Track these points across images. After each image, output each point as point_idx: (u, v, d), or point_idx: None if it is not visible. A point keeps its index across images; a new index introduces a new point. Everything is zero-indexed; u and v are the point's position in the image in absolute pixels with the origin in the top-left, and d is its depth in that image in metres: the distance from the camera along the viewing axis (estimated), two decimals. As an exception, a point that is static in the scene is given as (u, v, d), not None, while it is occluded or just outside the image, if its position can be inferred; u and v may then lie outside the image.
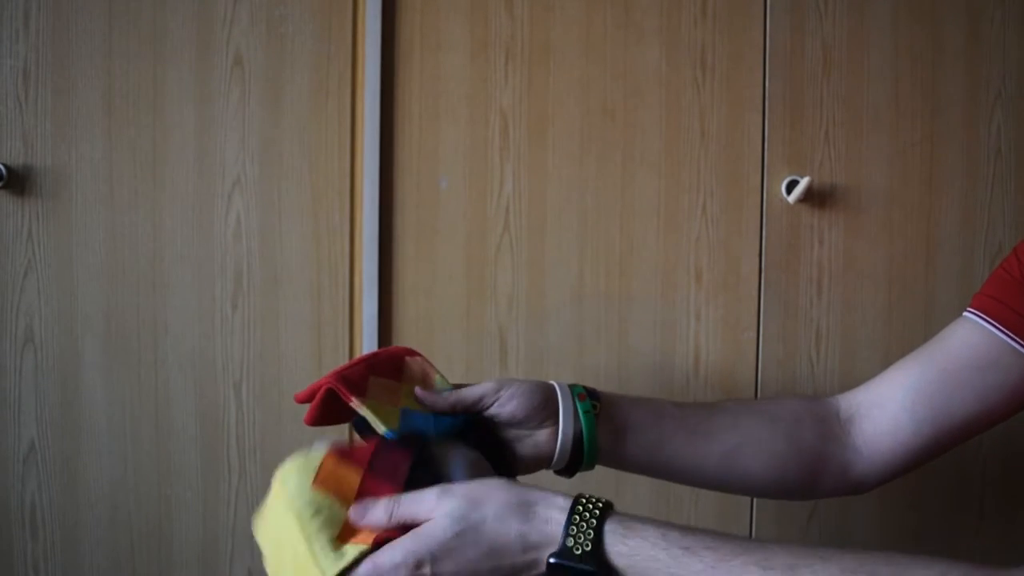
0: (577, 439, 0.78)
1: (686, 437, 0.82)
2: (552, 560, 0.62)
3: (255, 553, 1.09)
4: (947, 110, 1.09)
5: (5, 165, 1.04)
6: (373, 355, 0.80)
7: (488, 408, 0.78)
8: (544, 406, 0.78)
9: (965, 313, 0.83)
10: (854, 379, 1.10)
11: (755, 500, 1.11)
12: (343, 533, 0.66)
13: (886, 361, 1.09)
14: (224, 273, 1.07)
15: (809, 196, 1.07)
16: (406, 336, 1.08)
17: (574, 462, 0.79)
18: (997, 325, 0.79)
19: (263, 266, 1.07)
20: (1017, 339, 0.78)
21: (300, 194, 1.07)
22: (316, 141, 1.07)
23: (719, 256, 1.09)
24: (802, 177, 1.05)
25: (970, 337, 0.81)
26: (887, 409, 0.83)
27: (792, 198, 1.07)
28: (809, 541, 1.11)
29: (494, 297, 1.09)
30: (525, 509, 0.64)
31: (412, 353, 0.82)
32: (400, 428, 0.73)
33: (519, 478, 0.75)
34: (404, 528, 0.65)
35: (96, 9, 1.05)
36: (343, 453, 0.70)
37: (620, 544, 0.62)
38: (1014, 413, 0.81)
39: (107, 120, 1.06)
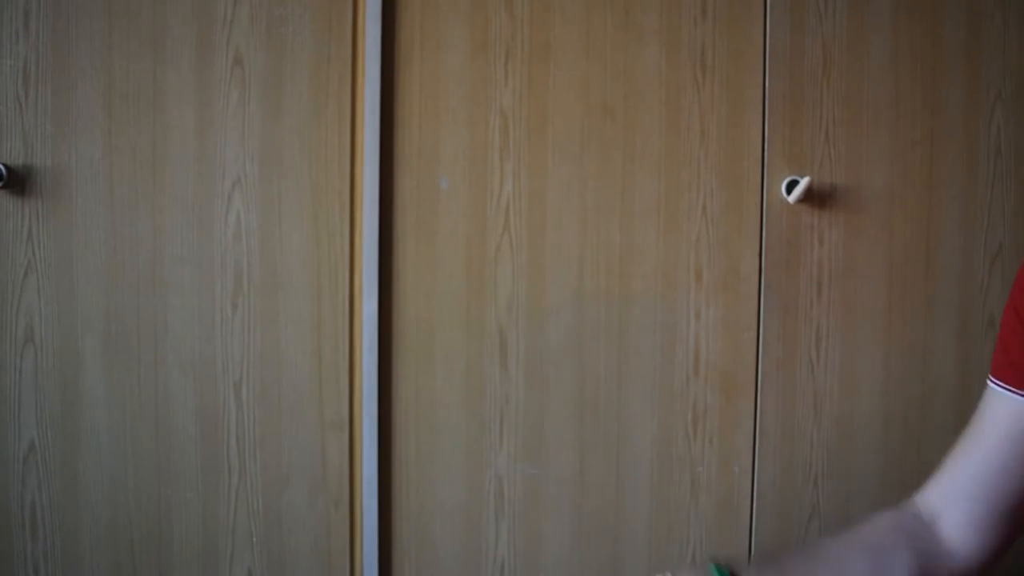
0: None
1: None
2: None
3: (255, 553, 1.10)
4: (947, 110, 1.09)
5: (5, 165, 1.03)
6: None
7: None
8: None
9: (988, 383, 0.83)
10: (854, 379, 1.10)
11: (755, 499, 1.11)
12: None
13: (886, 361, 1.11)
14: (224, 273, 1.07)
15: (809, 196, 1.07)
16: (406, 336, 1.08)
17: None
18: (1017, 391, 0.80)
19: (263, 266, 1.07)
20: None
21: (300, 194, 1.07)
22: (316, 141, 1.07)
23: (719, 256, 1.09)
24: (802, 177, 1.05)
25: (998, 411, 0.82)
26: (959, 504, 0.84)
27: (792, 198, 1.07)
28: (809, 540, 1.11)
29: (494, 297, 1.09)
30: None
31: None
32: None
33: None
34: None
35: (96, 9, 1.05)
36: None
37: None
38: None
39: (107, 120, 1.06)
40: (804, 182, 1.05)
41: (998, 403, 0.82)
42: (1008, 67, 1.09)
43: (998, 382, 0.82)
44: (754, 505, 1.11)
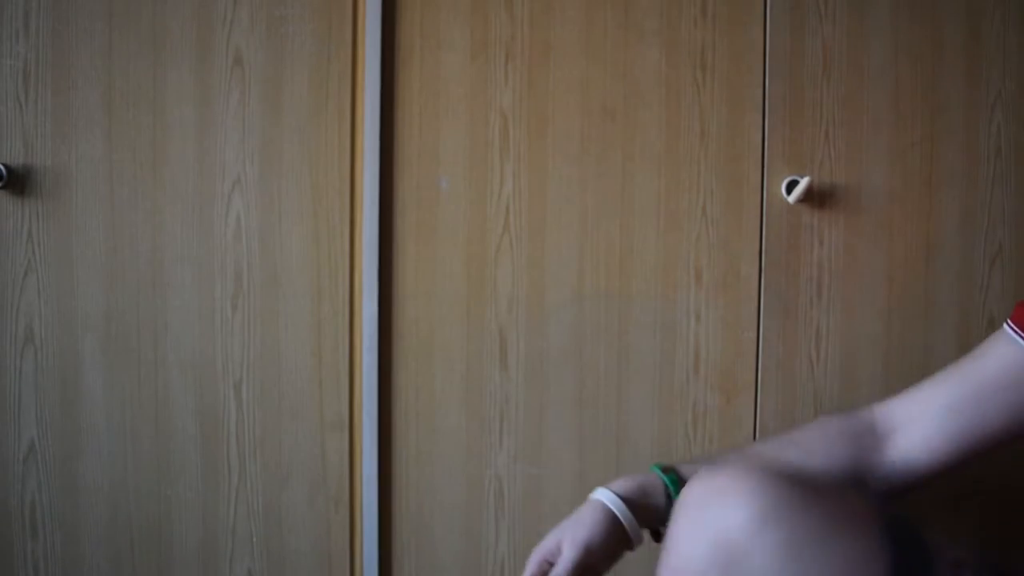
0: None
1: None
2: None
3: (255, 553, 1.10)
4: (947, 110, 1.09)
5: (5, 165, 1.04)
6: None
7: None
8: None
9: (1004, 327, 0.83)
10: (854, 379, 1.10)
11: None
12: None
13: (886, 361, 1.10)
14: (224, 273, 1.07)
15: (809, 196, 1.07)
16: (406, 336, 1.08)
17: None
18: None
19: (263, 266, 1.07)
20: None
21: (300, 194, 1.07)
22: (316, 141, 1.07)
23: (719, 256, 1.09)
24: (802, 177, 1.05)
25: (1006, 355, 0.82)
26: (920, 424, 0.85)
27: (792, 198, 1.07)
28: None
29: (494, 297, 1.09)
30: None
31: None
32: None
33: None
34: None
35: (96, 9, 1.05)
36: None
37: None
38: None
39: (107, 120, 1.06)
40: (804, 182, 1.05)
41: (1006, 347, 0.82)
42: (1008, 67, 1.09)
43: (1016, 328, 0.82)
44: (754, 505, 1.11)
